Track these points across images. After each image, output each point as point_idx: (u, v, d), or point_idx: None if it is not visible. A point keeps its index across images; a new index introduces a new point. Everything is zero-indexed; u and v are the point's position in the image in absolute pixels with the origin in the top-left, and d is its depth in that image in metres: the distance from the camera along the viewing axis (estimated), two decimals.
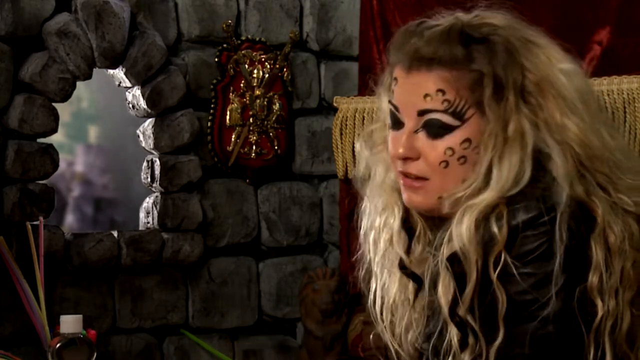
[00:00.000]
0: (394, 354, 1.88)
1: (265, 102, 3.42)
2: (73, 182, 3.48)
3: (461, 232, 1.65)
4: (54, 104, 3.03)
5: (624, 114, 2.73)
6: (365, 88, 3.24)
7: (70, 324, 2.47)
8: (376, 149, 1.85)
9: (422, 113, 1.70)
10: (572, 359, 1.64)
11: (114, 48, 3.09)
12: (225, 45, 3.37)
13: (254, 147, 3.42)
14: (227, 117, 3.37)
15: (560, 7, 2.91)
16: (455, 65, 1.68)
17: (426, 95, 1.69)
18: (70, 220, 3.43)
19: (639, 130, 2.73)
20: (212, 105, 3.35)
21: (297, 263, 3.54)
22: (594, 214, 1.64)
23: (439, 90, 1.69)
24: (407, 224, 1.81)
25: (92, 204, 3.48)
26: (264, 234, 3.49)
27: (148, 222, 3.27)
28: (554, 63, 1.72)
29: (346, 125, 3.33)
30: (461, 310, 1.64)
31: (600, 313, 1.62)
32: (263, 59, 3.43)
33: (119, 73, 3.18)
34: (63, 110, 3.11)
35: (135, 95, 3.23)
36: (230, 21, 3.37)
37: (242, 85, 3.39)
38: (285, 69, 3.47)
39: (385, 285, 1.86)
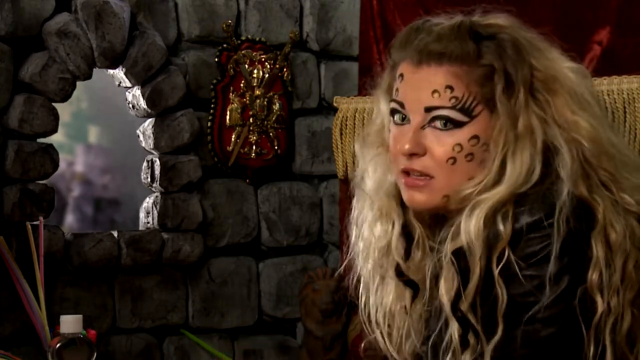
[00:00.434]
0: None
1: (265, 102, 3.42)
2: (73, 182, 3.48)
3: (470, 226, 1.64)
4: (54, 104, 3.03)
5: (624, 114, 2.73)
6: (365, 88, 3.23)
7: (70, 324, 2.47)
8: (374, 151, 1.84)
9: (429, 109, 1.69)
10: (574, 359, 1.64)
11: (114, 48, 3.09)
12: (225, 45, 3.37)
13: (254, 147, 3.42)
14: (227, 117, 3.37)
15: (560, 7, 2.91)
16: (466, 61, 1.67)
17: (434, 92, 1.68)
18: (70, 220, 3.43)
19: (639, 130, 2.72)
20: (212, 105, 3.35)
21: (297, 263, 3.53)
22: (594, 211, 1.64)
23: (448, 86, 1.68)
24: (406, 230, 1.80)
25: (92, 204, 3.48)
26: (264, 234, 3.48)
27: (148, 222, 3.27)
28: (560, 62, 1.72)
29: (346, 125, 3.32)
30: (463, 306, 1.64)
31: (600, 310, 1.61)
32: (263, 59, 3.43)
33: (119, 73, 3.18)
34: (63, 110, 3.11)
35: (135, 95, 3.23)
36: (230, 21, 3.37)
37: (242, 85, 3.39)
38: (285, 69, 3.47)
39: (378, 294, 1.84)
